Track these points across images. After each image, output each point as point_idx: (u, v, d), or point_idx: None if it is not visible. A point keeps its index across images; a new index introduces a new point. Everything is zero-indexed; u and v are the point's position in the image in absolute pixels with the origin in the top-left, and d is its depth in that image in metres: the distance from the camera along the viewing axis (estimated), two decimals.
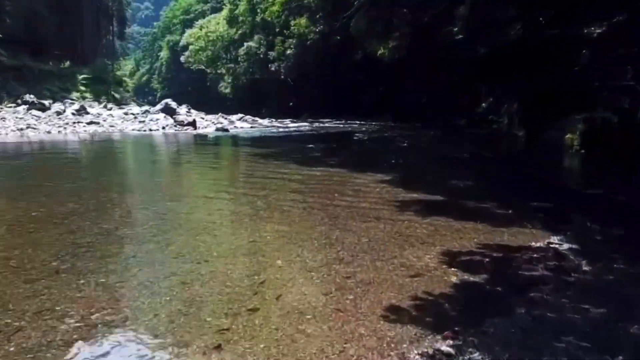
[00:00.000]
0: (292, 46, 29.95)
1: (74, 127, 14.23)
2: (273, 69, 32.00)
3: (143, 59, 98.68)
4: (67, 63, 36.39)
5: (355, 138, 13.42)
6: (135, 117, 19.05)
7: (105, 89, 35.28)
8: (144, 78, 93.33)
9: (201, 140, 12.23)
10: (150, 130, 14.11)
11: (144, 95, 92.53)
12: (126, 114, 21.39)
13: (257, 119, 25.62)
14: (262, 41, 37.16)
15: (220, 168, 7.68)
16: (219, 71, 48.81)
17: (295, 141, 12.80)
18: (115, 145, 11.07)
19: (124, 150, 10.45)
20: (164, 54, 76.05)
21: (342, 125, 20.77)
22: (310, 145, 10.92)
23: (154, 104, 67.74)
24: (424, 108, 24.17)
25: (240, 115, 28.02)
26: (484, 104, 20.40)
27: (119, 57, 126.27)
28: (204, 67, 49.62)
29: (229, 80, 51.08)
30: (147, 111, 21.35)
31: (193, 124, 16.05)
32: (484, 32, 13.24)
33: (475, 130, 16.04)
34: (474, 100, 21.03)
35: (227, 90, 52.96)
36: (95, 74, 33.84)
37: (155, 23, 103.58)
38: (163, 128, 14.78)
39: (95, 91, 31.49)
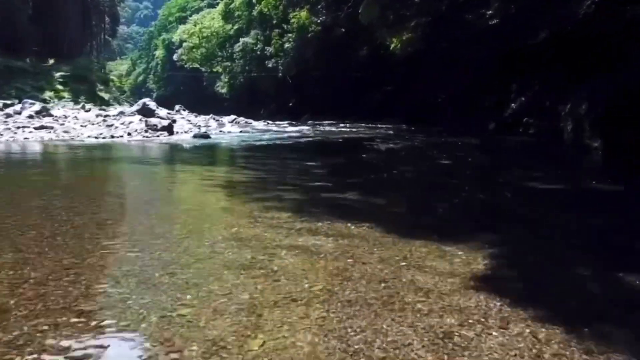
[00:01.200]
0: (290, 40, 27.02)
1: (15, 133, 11.35)
2: (270, 65, 29.10)
3: (139, 58, 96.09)
4: (51, 61, 33.66)
5: (369, 147, 10.49)
6: (105, 120, 16.16)
7: (89, 88, 32.41)
8: (140, 78, 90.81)
9: (163, 153, 9.23)
10: (112, 137, 11.24)
11: (141, 95, 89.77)
12: (98, 116, 18.48)
13: (251, 121, 22.73)
14: (259, 37, 34.29)
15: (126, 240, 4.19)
16: (214, 70, 45.95)
17: (291, 153, 9.83)
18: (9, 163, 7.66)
19: None
20: (159, 52, 73.17)
21: (347, 129, 17.85)
22: (312, 163, 7.93)
23: None
24: (440, 109, 21.24)
25: (233, 117, 25.16)
26: (513, 105, 17.48)
27: (117, 57, 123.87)
28: (198, 66, 46.73)
29: (226, 80, 48.34)
30: (121, 113, 18.45)
31: (169, 128, 13.17)
32: (536, 10, 10.33)
33: (516, 138, 13.10)
34: (503, 100, 18.11)
35: (224, 90, 50.26)
36: (77, 72, 30.98)
37: (152, 22, 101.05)
38: (129, 134, 11.90)
39: (75, 91, 28.62)
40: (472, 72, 20.44)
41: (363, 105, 27.07)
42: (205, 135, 11.90)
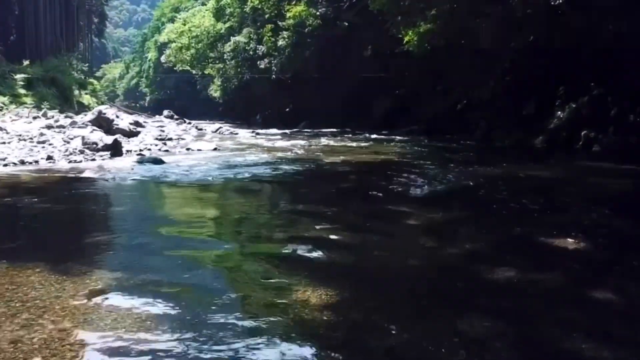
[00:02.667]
0: (285, 37, 23.38)
1: None
2: (262, 66, 25.45)
3: (133, 61, 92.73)
4: (26, 62, 30.11)
5: (395, 178, 6.82)
6: (42, 134, 12.58)
7: (61, 92, 28.79)
8: (133, 81, 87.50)
9: (55, 206, 5.50)
10: (23, 162, 7.67)
11: (135, 99, 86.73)
12: (48, 127, 14.89)
13: (237, 131, 19.16)
14: (251, 35, 30.68)
15: None
16: (205, 72, 42.40)
17: (275, 193, 6.28)
18: None
19: None
20: (151, 55, 69.66)
21: (353, 143, 14.21)
22: (308, 217, 4.39)
23: (144, 110, 61.82)
24: (467, 117, 17.61)
25: (218, 125, 21.72)
26: (560, 113, 13.85)
27: (111, 59, 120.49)
28: (188, 68, 43.14)
29: (218, 83, 44.81)
30: (74, 122, 14.89)
31: (114, 147, 9.58)
32: None
33: (603, 165, 9.33)
34: (544, 106, 14.50)
35: (217, 94, 46.68)
36: (46, 74, 27.39)
37: (147, 25, 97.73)
38: (50, 158, 8.33)
39: (42, 95, 25.03)
40: (506, 71, 16.85)
41: (368, 112, 23.48)
42: (158, 161, 8.29)
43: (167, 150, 10.84)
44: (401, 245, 3.83)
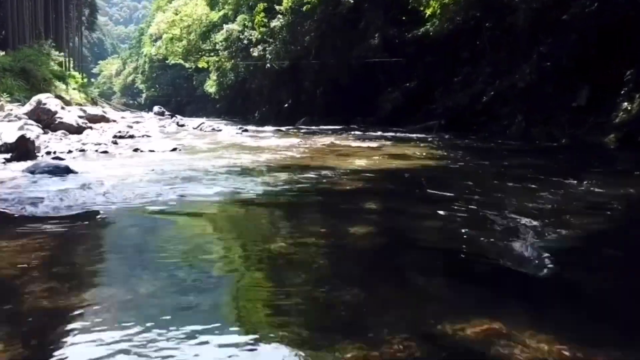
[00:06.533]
0: (280, 18, 20.28)
1: None
2: (256, 54, 22.35)
3: (130, 57, 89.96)
4: (1, 53, 27.28)
5: (460, 215, 3.64)
6: None
7: (32, 84, 25.85)
8: (130, 78, 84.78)
9: None
10: None
11: (133, 96, 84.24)
12: None
13: (221, 127, 16.20)
14: (246, 23, 27.61)
15: None
16: (200, 65, 39.47)
17: (200, 264, 2.95)
18: None
19: None
20: (146, 49, 66.58)
21: (359, 141, 11.17)
22: None
23: (141, 107, 59.01)
24: (497, 110, 14.55)
25: (201, 120, 18.91)
26: (626, 105, 10.77)
27: (108, 55, 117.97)
28: (181, 61, 40.14)
29: (214, 78, 41.96)
30: (9, 115, 11.96)
31: (20, 148, 6.62)
32: None
33: None
34: (599, 95, 11.44)
35: (212, 90, 43.91)
36: (12, 64, 24.47)
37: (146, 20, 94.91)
38: None
39: (5, 87, 22.09)
40: (542, 55, 13.79)
41: (376, 107, 20.45)
42: (56, 170, 5.30)
43: (105, 152, 7.84)
44: None
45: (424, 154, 8.18)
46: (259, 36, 22.34)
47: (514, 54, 15.34)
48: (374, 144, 9.86)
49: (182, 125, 17.94)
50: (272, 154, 7.78)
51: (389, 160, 7.00)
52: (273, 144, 9.95)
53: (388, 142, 10.47)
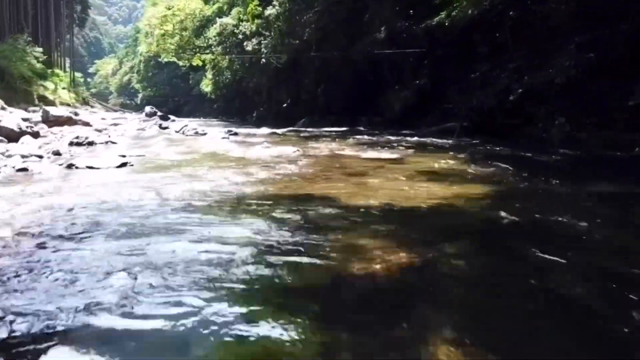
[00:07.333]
0: (277, 5, 18.11)
1: None
2: (250, 47, 20.19)
3: (126, 56, 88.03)
4: None
5: None
6: None
7: (6, 83, 23.92)
8: (126, 77, 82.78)
9: None
10: None
11: (129, 96, 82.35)
12: None
13: (207, 130, 14.04)
14: (241, 16, 25.49)
15: None
16: (193, 63, 37.45)
17: None
18: None
19: None
20: (142, 48, 64.50)
21: (369, 149, 9.02)
22: None
23: (138, 107, 56.96)
24: (518, 112, 12.36)
25: (187, 121, 16.88)
26: None
27: (105, 55, 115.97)
28: (174, 59, 38.07)
29: (209, 77, 39.91)
30: None
31: None
32: None
33: None
34: None
35: (208, 89, 41.83)
36: None
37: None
38: None
39: None
40: (582, 46, 11.60)
41: (384, 106, 18.33)
42: None
43: (23, 170, 5.67)
44: None
45: (466, 170, 5.99)
46: (254, 28, 20.18)
47: (544, 45, 13.19)
48: (391, 154, 7.66)
49: (165, 128, 15.84)
50: (257, 172, 5.62)
51: (424, 185, 4.72)
52: (262, 154, 7.79)
53: (409, 151, 8.27)
